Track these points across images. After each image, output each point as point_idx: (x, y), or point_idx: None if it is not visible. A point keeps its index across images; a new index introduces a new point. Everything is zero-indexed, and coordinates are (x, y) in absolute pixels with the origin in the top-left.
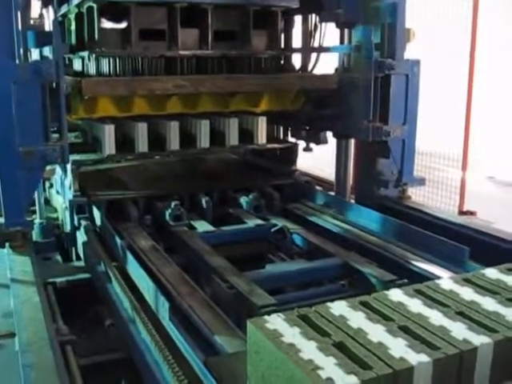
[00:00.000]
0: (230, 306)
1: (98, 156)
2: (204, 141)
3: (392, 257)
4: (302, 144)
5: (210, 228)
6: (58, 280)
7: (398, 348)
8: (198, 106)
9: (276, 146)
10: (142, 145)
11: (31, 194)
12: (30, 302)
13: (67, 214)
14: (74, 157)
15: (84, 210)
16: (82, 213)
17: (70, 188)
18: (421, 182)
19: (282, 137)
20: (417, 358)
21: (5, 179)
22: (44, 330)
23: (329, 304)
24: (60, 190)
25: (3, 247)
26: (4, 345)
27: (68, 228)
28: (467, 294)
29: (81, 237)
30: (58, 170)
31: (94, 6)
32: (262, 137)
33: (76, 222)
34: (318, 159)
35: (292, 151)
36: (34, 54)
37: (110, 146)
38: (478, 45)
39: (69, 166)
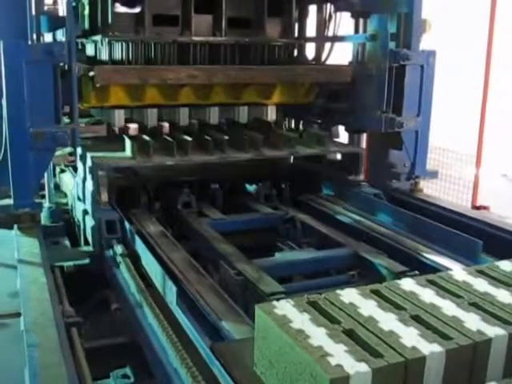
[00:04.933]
0: (238, 292)
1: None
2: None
3: (403, 248)
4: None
5: (220, 215)
6: (66, 264)
7: (410, 337)
8: (210, 96)
9: (336, 149)
10: (151, 118)
11: (40, 176)
12: (37, 283)
13: (92, 230)
14: (95, 154)
15: (115, 229)
16: (113, 232)
17: (92, 195)
18: (433, 175)
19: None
20: (429, 348)
21: (14, 160)
22: (50, 311)
23: (339, 291)
24: (81, 195)
25: (11, 228)
26: (9, 324)
27: (96, 247)
28: (481, 285)
29: (89, 221)
30: (80, 171)
31: None
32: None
33: (105, 243)
34: None
35: (356, 157)
36: (47, 38)
37: (119, 118)
38: (495, 39)
39: (95, 171)
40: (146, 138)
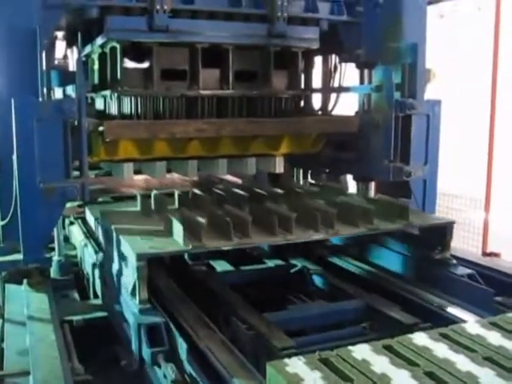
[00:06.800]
0: (249, 347)
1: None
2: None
3: (415, 299)
4: None
5: (229, 268)
6: (75, 318)
7: None
8: (218, 148)
9: (426, 224)
10: (160, 170)
11: (50, 231)
12: (46, 341)
13: (130, 332)
14: (129, 237)
15: (162, 340)
16: (158, 344)
17: (133, 294)
18: None
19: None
20: None
21: (24, 215)
22: (59, 369)
23: (351, 348)
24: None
25: (21, 284)
26: (18, 383)
27: (137, 357)
28: (494, 338)
29: (99, 274)
30: (109, 252)
31: (118, 46)
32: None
33: (147, 354)
34: None
35: (444, 230)
36: (58, 93)
37: (128, 171)
38: (499, 80)
39: (133, 260)
40: (195, 216)
